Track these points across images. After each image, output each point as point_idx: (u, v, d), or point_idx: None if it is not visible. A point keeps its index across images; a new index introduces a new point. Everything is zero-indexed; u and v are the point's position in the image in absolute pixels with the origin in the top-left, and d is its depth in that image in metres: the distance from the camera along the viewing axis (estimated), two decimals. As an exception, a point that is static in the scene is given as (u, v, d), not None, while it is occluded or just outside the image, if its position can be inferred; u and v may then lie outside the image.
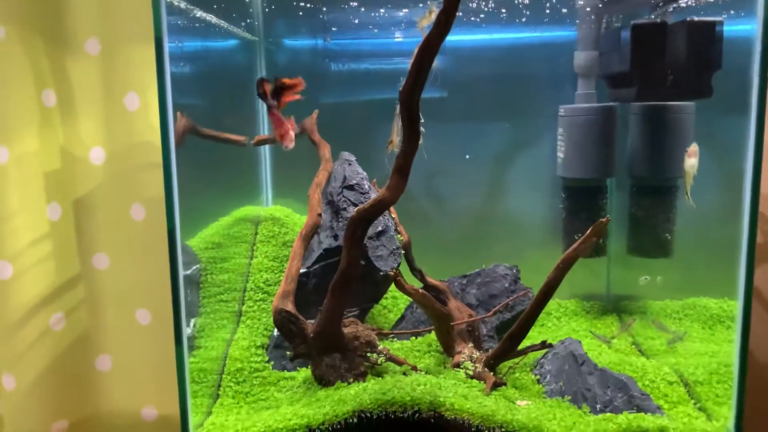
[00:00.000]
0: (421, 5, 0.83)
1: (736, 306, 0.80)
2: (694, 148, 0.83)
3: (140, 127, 1.52)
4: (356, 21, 0.98)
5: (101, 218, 1.54)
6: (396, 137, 0.75)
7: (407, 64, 0.96)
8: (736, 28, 0.85)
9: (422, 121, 0.73)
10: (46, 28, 1.44)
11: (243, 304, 0.96)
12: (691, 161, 0.83)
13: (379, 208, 0.74)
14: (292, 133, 0.82)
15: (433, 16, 0.68)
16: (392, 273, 0.77)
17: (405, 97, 0.72)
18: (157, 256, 1.56)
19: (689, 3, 0.85)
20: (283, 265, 0.99)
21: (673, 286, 1.09)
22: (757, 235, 0.82)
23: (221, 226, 1.04)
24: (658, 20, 0.84)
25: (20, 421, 1.50)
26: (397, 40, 0.99)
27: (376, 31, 0.98)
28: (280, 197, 1.14)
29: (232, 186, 1.16)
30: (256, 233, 1.04)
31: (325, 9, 0.98)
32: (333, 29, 0.98)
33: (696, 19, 0.82)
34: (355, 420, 0.72)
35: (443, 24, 0.66)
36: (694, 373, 0.85)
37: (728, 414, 0.76)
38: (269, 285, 0.98)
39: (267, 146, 1.25)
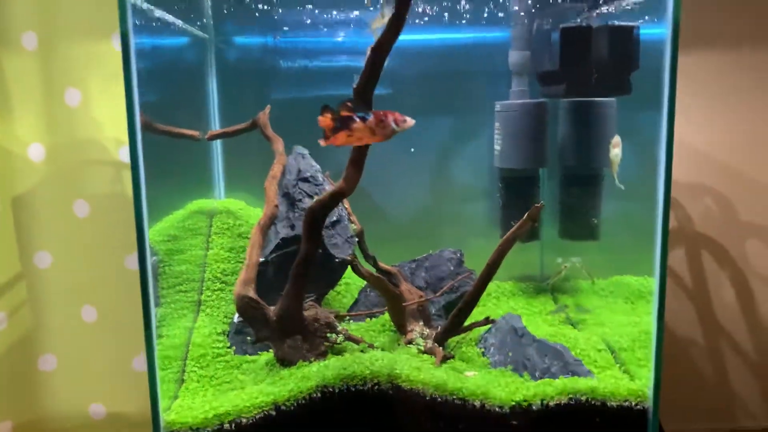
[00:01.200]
0: (371, 9, 0.89)
1: (652, 282, 0.90)
2: (617, 139, 0.93)
3: (82, 123, 1.52)
4: (306, 20, 1.02)
5: (42, 215, 1.53)
6: (380, 20, 0.79)
7: (354, 62, 1.02)
8: (651, 31, 0.94)
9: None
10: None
11: (201, 294, 0.99)
12: (615, 151, 0.93)
13: (336, 198, 0.80)
14: (390, 118, 0.77)
15: (385, 20, 0.74)
16: (350, 258, 0.83)
17: (358, 95, 0.78)
18: (102, 252, 1.57)
19: (610, 10, 0.94)
20: (239, 256, 1.03)
21: (600, 266, 1.19)
22: (669, 218, 0.92)
23: (176, 219, 1.06)
24: (584, 24, 0.94)
25: (-37, 425, 1.47)
26: (342, 39, 1.04)
27: (324, 30, 1.03)
28: (232, 191, 1.17)
29: (185, 180, 1.18)
30: (211, 225, 1.08)
31: (275, 8, 1.02)
32: (283, 28, 1.02)
33: (616, 23, 0.92)
34: (318, 394, 0.77)
35: (394, 27, 0.72)
36: (618, 341, 0.95)
37: (648, 375, 0.86)
38: (226, 275, 1.01)
39: (218, 141, 1.28)
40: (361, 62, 0.97)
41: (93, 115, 1.52)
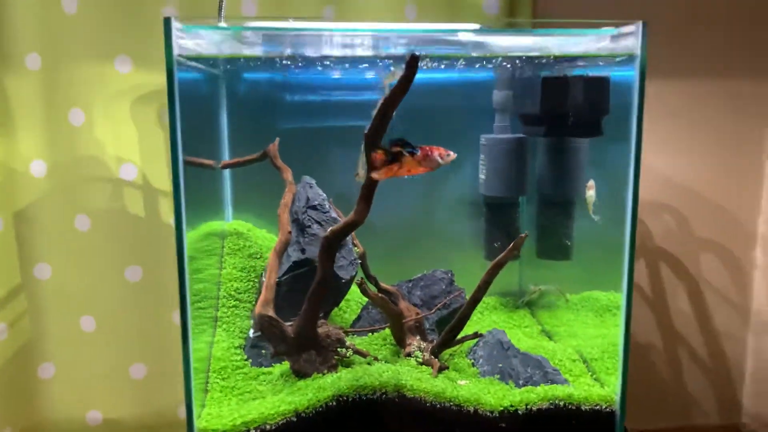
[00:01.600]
0: (380, 62, 0.99)
1: (621, 298, 1.03)
2: (591, 183, 1.05)
3: (85, 142, 1.58)
4: (315, 62, 1.11)
5: (44, 229, 1.59)
6: (362, 170, 0.90)
7: (357, 96, 1.13)
8: (622, 74, 1.03)
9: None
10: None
11: (218, 311, 1.08)
12: (590, 192, 1.05)
13: (349, 229, 0.90)
14: (435, 153, 0.85)
15: (396, 77, 0.85)
16: (359, 282, 0.94)
17: (369, 139, 0.88)
18: (102, 265, 1.63)
19: (585, 64, 1.07)
20: (250, 275, 1.13)
21: (572, 283, 1.31)
22: (636, 238, 1.04)
23: (192, 240, 1.15)
24: (562, 75, 1.06)
25: (-35, 431, 1.52)
26: (346, 76, 1.14)
27: (331, 68, 1.12)
28: (238, 213, 1.26)
29: (198, 203, 1.26)
30: (223, 246, 1.17)
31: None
32: (291, 66, 1.11)
33: (590, 75, 1.05)
34: (334, 403, 0.87)
35: (403, 86, 0.83)
36: (590, 351, 1.07)
37: (616, 382, 0.98)
38: (240, 293, 1.11)
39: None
40: (364, 96, 1.08)
41: (95, 134, 1.58)
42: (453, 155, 0.88)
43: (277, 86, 1.17)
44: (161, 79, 1.59)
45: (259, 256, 1.15)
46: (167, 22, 0.79)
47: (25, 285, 1.61)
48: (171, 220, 1.64)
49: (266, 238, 1.21)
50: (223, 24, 1.18)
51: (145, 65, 1.56)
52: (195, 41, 0.95)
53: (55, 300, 1.63)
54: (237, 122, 1.13)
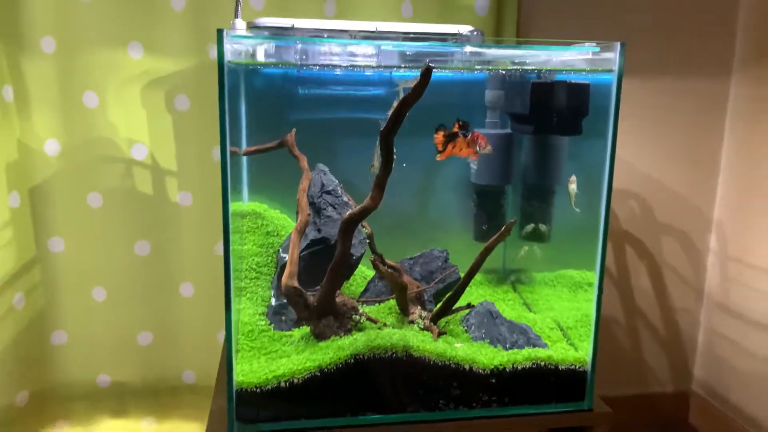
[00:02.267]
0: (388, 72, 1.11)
1: (593, 275, 1.18)
2: (573, 178, 1.20)
3: (98, 124, 1.66)
4: (326, 60, 1.22)
5: (57, 205, 1.67)
6: (376, 162, 1.03)
7: (368, 91, 1.25)
8: (601, 78, 1.14)
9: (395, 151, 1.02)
10: (3, 26, 1.53)
11: (242, 282, 1.21)
12: (572, 186, 1.20)
13: (365, 213, 1.03)
14: (479, 140, 0.97)
15: (410, 84, 0.98)
16: (372, 259, 1.08)
17: (384, 136, 1.01)
18: (113, 239, 1.73)
19: (567, 71, 1.21)
20: (268, 251, 1.25)
21: (549, 261, 1.44)
22: (609, 222, 1.18)
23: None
24: (548, 80, 1.21)
25: (-14, 394, 1.60)
26: (360, 72, 1.25)
27: (343, 66, 1.23)
28: (253, 194, 1.37)
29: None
30: (242, 225, 1.29)
31: (300, 46, 1.21)
32: (308, 63, 1.21)
33: (573, 81, 1.19)
34: (352, 361, 1.01)
35: (418, 91, 0.96)
36: (565, 321, 1.22)
37: (588, 347, 1.14)
38: (260, 266, 1.23)
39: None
40: (374, 91, 1.20)
41: (108, 116, 1.65)
42: (489, 149, 1.02)
43: (292, 81, 1.28)
44: (170, 66, 1.68)
45: (275, 234, 1.28)
46: (220, 34, 0.90)
47: (39, 257, 1.69)
48: (177, 198, 1.73)
49: (280, 218, 1.33)
50: (241, 24, 1.28)
51: (155, 52, 1.62)
52: (233, 46, 1.05)
53: (68, 272, 1.71)
54: (255, 113, 1.24)
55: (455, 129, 1.00)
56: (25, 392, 1.72)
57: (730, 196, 1.94)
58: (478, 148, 1.00)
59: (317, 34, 1.27)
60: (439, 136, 1.00)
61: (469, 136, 0.99)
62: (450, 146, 0.99)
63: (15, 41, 1.55)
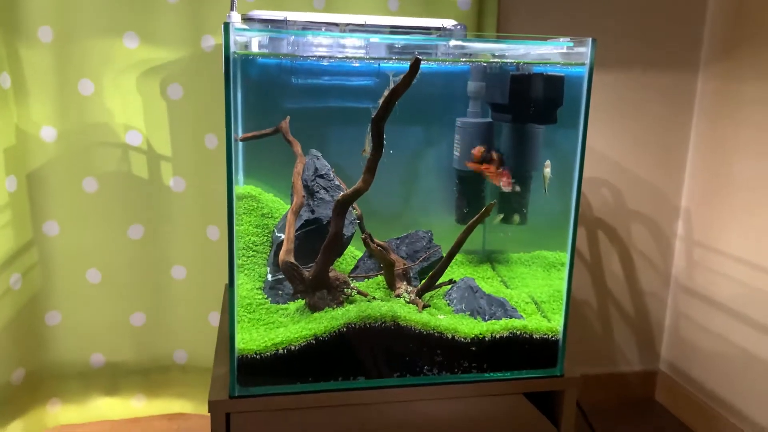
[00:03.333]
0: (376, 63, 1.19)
1: (565, 256, 1.27)
2: (548, 163, 1.29)
3: (94, 110, 1.71)
4: (320, 49, 1.29)
5: (53, 190, 1.73)
6: (368, 147, 1.11)
7: (357, 81, 1.32)
8: (575, 70, 1.21)
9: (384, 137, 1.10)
10: (1, 15, 1.58)
11: (239, 259, 1.28)
12: (546, 171, 1.29)
13: (356, 195, 1.10)
14: (504, 179, 1.22)
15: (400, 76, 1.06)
16: (363, 237, 1.16)
17: (375, 122, 1.09)
18: (107, 223, 1.79)
19: (544, 61, 1.30)
20: (264, 231, 1.33)
21: (524, 243, 1.52)
22: (579, 207, 1.27)
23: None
24: (526, 73, 1.29)
25: (-17, 371, 1.66)
26: (349, 63, 1.33)
27: (335, 57, 1.30)
28: (248, 178, 1.44)
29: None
30: (239, 207, 1.36)
31: (292, 38, 1.28)
32: (300, 53, 1.27)
33: (548, 73, 1.28)
34: (345, 329, 1.09)
35: (407, 81, 1.03)
36: (539, 296, 1.29)
37: (559, 319, 1.23)
38: (256, 245, 1.31)
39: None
40: (363, 81, 1.27)
41: (104, 103, 1.71)
42: (509, 188, 1.23)
43: (285, 71, 1.34)
44: (165, 55, 1.74)
45: (270, 216, 1.35)
46: (226, 27, 0.97)
47: (35, 240, 1.75)
48: (171, 183, 1.79)
49: (274, 201, 1.40)
50: (236, 16, 1.34)
51: (151, 42, 1.68)
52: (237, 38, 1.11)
53: (63, 254, 1.77)
54: (251, 102, 1.30)
55: (494, 157, 1.27)
56: (21, 370, 1.77)
57: (697, 186, 2.04)
58: (501, 184, 1.20)
59: (308, 26, 1.34)
60: (479, 152, 1.27)
61: (500, 170, 1.24)
62: (483, 166, 1.24)
63: (13, 30, 1.60)
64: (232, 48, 0.97)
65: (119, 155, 1.75)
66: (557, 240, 1.32)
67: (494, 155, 1.22)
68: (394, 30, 1.36)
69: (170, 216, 1.80)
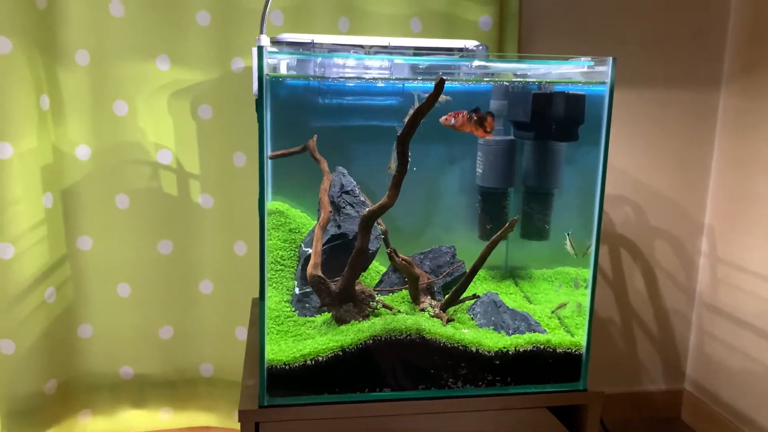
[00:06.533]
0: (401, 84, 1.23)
1: (587, 272, 1.28)
2: (567, 236, 1.28)
3: (127, 130, 1.77)
4: (346, 70, 1.33)
5: (87, 206, 1.78)
6: (393, 164, 1.14)
7: (384, 101, 1.36)
8: (596, 89, 1.23)
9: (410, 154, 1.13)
10: (42, 40, 1.65)
11: (267, 273, 1.31)
12: (567, 244, 1.29)
13: (383, 209, 1.13)
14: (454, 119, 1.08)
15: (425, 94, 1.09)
16: (388, 251, 1.19)
17: (400, 140, 1.12)
18: (138, 238, 1.84)
19: (566, 80, 1.33)
20: (292, 246, 1.36)
21: (547, 259, 1.53)
22: (602, 224, 1.29)
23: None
24: (548, 91, 1.32)
25: (17, 382, 1.72)
26: (375, 83, 1.37)
27: (361, 78, 1.34)
28: (276, 194, 1.48)
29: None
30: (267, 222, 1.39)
31: (319, 60, 1.33)
32: (328, 75, 1.32)
33: (569, 92, 1.31)
34: (371, 342, 1.11)
35: (432, 101, 1.06)
36: (563, 311, 1.34)
37: (583, 333, 1.23)
38: (284, 260, 1.34)
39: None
40: (388, 101, 1.31)
41: (136, 123, 1.76)
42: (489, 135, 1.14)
43: (313, 91, 1.39)
44: (195, 77, 1.80)
45: (297, 231, 1.39)
46: (260, 50, 1.01)
47: (69, 255, 1.80)
48: (199, 200, 1.84)
49: (302, 217, 1.43)
50: (265, 39, 1.39)
51: (182, 64, 1.73)
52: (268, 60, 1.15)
53: (95, 269, 1.82)
54: (280, 121, 1.34)
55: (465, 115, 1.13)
56: (53, 381, 1.82)
57: (720, 202, 2.03)
58: (479, 132, 1.11)
59: (335, 48, 1.38)
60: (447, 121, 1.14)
61: (470, 115, 1.11)
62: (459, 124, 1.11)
63: (52, 54, 1.67)
64: (265, 70, 1.01)
65: (150, 173, 1.80)
66: (580, 257, 1.33)
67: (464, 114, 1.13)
68: (418, 51, 1.39)
69: (199, 232, 1.84)
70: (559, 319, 1.30)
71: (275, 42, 1.41)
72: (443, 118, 1.07)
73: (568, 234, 1.30)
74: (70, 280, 1.82)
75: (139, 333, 1.88)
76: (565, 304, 1.34)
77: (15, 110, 1.63)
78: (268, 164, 1.35)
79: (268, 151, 1.11)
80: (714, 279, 2.07)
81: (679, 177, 2.05)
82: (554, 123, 1.31)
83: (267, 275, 1.23)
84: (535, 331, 1.17)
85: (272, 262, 1.33)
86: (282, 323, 1.20)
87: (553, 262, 1.52)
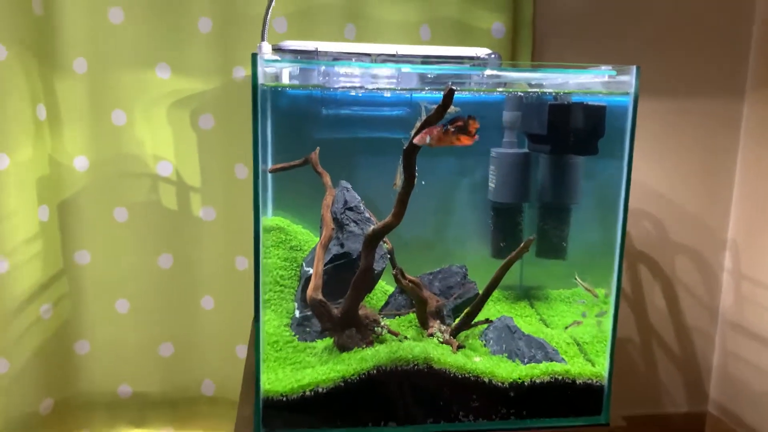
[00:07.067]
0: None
1: (608, 293, 1.20)
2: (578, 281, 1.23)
3: (126, 141, 1.72)
4: (351, 79, 1.27)
5: (84, 219, 1.73)
6: (399, 180, 1.07)
7: (388, 112, 1.29)
8: (617, 99, 1.18)
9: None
10: (38, 47, 1.60)
11: (266, 294, 1.25)
12: (579, 284, 1.23)
13: (388, 228, 1.06)
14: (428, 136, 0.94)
15: (434, 105, 1.02)
16: (394, 273, 1.11)
17: (407, 154, 1.05)
18: (137, 253, 1.78)
19: (585, 91, 1.25)
20: (292, 264, 1.29)
21: (564, 279, 1.45)
22: (625, 244, 1.21)
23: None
24: (565, 102, 1.24)
25: (11, 402, 1.66)
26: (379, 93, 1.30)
27: (366, 88, 1.27)
28: (277, 209, 1.41)
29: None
30: (267, 239, 1.33)
31: (323, 69, 1.26)
32: (327, 83, 1.25)
33: (589, 103, 1.23)
34: (374, 372, 1.04)
35: (441, 112, 1.00)
36: (582, 337, 1.24)
37: (604, 362, 1.16)
38: (284, 279, 1.27)
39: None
40: (395, 112, 1.24)
41: (135, 134, 1.71)
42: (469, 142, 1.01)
43: (316, 101, 1.32)
44: (196, 86, 1.74)
45: (299, 249, 1.32)
46: (254, 58, 0.95)
47: (66, 269, 1.75)
48: (200, 213, 1.78)
49: (303, 233, 1.37)
50: (267, 47, 1.33)
51: (182, 73, 1.67)
52: (264, 69, 1.09)
53: (93, 284, 1.76)
54: (280, 132, 1.28)
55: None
56: (49, 400, 1.76)
57: (744, 215, 1.96)
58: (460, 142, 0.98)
59: (339, 57, 1.32)
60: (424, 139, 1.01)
61: (447, 129, 0.98)
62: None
63: (50, 62, 1.62)
64: (260, 80, 0.95)
65: (150, 185, 1.75)
66: (599, 276, 1.26)
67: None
68: (427, 60, 1.33)
69: (200, 246, 1.79)
70: (578, 344, 1.22)
71: (277, 49, 1.35)
72: (417, 137, 0.98)
73: (576, 277, 1.23)
74: (67, 295, 1.77)
75: (138, 350, 1.83)
76: (579, 323, 1.26)
77: (10, 120, 1.59)
78: (265, 178, 1.30)
79: (262, 165, 1.04)
80: (738, 296, 1.99)
81: (700, 189, 1.99)
82: (573, 136, 1.23)
83: (264, 297, 1.16)
84: (552, 360, 1.09)
85: (271, 283, 1.26)
86: (281, 349, 1.13)
87: (571, 281, 1.44)
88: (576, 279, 1.25)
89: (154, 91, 1.70)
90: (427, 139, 0.97)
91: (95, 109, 1.68)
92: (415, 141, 0.98)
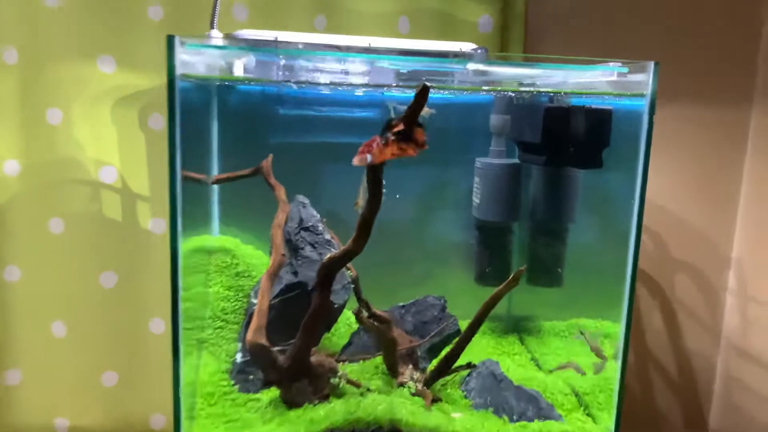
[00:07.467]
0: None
1: (609, 325, 1.04)
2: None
3: (63, 142, 1.56)
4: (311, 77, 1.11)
5: (14, 230, 1.56)
6: (361, 200, 0.88)
7: (356, 113, 1.13)
8: (632, 103, 1.04)
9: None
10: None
11: (202, 332, 1.06)
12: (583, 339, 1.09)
13: (348, 257, 0.88)
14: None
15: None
16: (355, 311, 0.92)
17: (371, 167, 0.86)
18: (75, 269, 1.61)
19: (592, 91, 1.08)
20: (238, 295, 1.10)
21: (558, 307, 1.33)
22: (638, 266, 1.04)
23: (182, 255, 1.12)
24: (564, 105, 1.07)
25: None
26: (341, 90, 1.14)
27: (330, 84, 1.12)
28: (224, 227, 1.24)
29: (189, 217, 1.23)
30: (209, 263, 1.14)
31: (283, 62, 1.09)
32: (288, 79, 1.10)
33: (592, 106, 1.06)
34: (328, 437, 0.87)
35: (411, 115, 0.81)
36: (581, 385, 1.07)
37: (609, 419, 0.99)
38: (226, 313, 1.08)
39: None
40: (364, 113, 1.08)
41: (74, 135, 1.55)
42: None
43: (271, 99, 1.16)
44: (145, 81, 1.59)
45: (247, 275, 1.14)
46: (170, 40, 0.76)
47: (-9, 288, 1.58)
48: (149, 225, 1.63)
49: (253, 256, 1.20)
50: (217, 35, 1.17)
51: (129, 66, 1.53)
52: (195, 57, 0.93)
53: (25, 304, 1.60)
54: (228, 135, 1.12)
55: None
56: (-28, 437, 1.59)
57: (750, 233, 1.85)
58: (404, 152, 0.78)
59: (304, 48, 1.16)
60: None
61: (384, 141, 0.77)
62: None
63: (-28, 49, 1.45)
64: (200, 70, 0.77)
65: (91, 193, 1.58)
66: (599, 305, 1.13)
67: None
68: (403, 54, 1.17)
69: (148, 263, 1.63)
70: (576, 395, 1.04)
71: (230, 38, 1.18)
72: (356, 158, 0.78)
73: (582, 332, 1.07)
74: (-8, 317, 1.58)
75: (78, 379, 1.66)
76: (571, 365, 1.09)
77: None
78: (212, 190, 1.13)
79: (206, 174, 0.87)
80: (742, 319, 1.88)
81: (703, 204, 1.86)
82: (572, 145, 1.07)
83: (197, 336, 0.97)
84: (546, 418, 0.94)
85: (211, 317, 1.07)
86: (215, 403, 0.95)
87: (567, 311, 1.30)
88: (581, 334, 1.09)
89: (95, 86, 1.53)
90: (368, 158, 0.78)
91: (27, 106, 1.50)
92: (354, 162, 0.78)
